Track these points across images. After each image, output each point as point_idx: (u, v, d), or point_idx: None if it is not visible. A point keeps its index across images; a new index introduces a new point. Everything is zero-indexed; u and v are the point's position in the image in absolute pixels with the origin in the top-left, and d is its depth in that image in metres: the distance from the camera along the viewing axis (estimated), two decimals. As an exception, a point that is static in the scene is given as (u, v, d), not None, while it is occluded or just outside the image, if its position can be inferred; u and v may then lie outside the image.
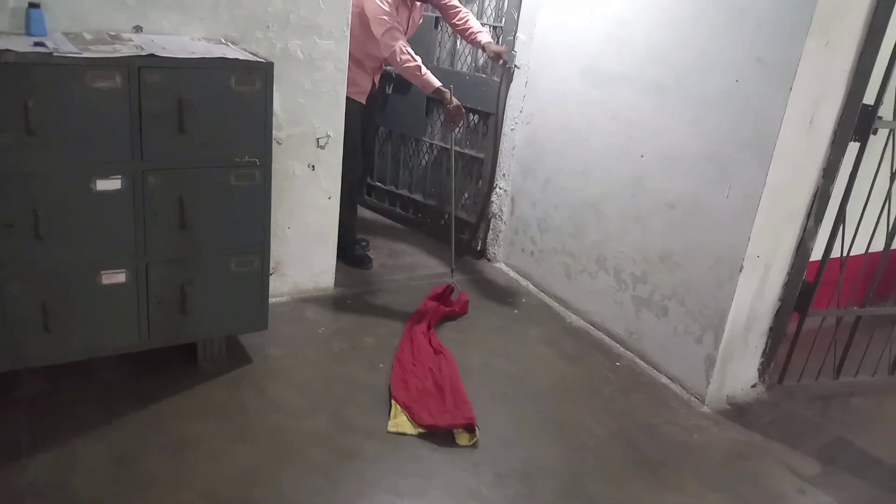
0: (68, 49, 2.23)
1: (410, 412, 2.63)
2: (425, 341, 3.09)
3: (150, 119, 2.32)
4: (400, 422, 2.60)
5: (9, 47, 2.13)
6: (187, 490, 2.18)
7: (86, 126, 2.25)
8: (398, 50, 3.36)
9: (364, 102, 3.64)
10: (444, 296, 3.54)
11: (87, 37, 2.50)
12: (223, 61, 2.41)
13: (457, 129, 3.71)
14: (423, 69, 3.43)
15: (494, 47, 3.65)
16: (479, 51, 3.89)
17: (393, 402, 2.70)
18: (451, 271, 3.73)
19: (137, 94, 2.28)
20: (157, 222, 2.45)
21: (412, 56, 3.39)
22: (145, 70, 2.26)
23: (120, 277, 2.46)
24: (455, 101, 3.52)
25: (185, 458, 2.31)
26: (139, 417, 2.47)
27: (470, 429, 2.57)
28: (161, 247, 2.49)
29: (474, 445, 2.54)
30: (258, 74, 2.45)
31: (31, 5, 2.40)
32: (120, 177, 2.34)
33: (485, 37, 3.68)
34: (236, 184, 2.54)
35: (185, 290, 2.58)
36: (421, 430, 2.57)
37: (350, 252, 3.85)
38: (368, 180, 4.67)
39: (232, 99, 2.43)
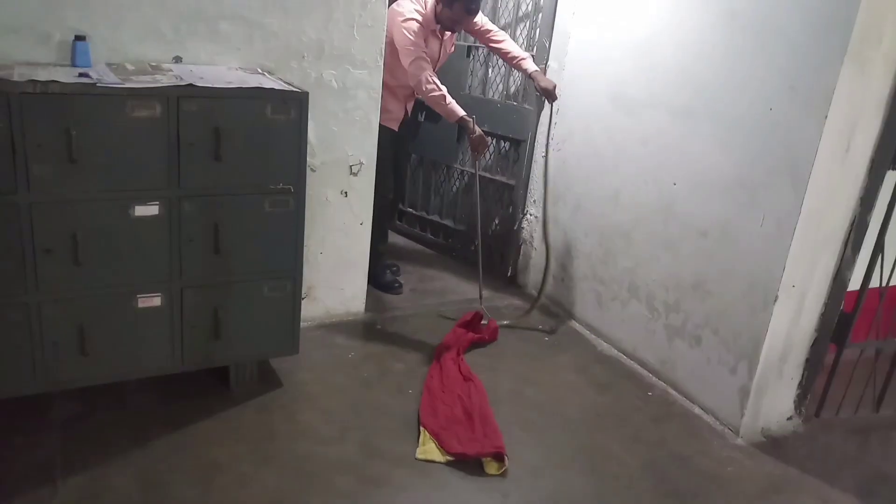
0: (111, 80, 2.30)
1: (439, 439, 2.62)
2: (455, 368, 3.09)
3: (188, 147, 2.38)
4: (428, 449, 2.59)
5: (55, 78, 2.20)
6: (216, 515, 2.20)
7: (125, 154, 2.31)
8: (424, 80, 3.39)
9: (396, 129, 3.67)
10: (473, 322, 3.53)
11: (129, 67, 2.57)
12: (259, 91, 2.46)
13: (480, 158, 3.71)
14: (448, 98, 3.46)
15: (543, 83, 3.64)
16: (511, 79, 3.92)
17: (422, 428, 2.69)
18: (480, 298, 3.73)
19: (176, 123, 2.33)
20: (192, 248, 2.50)
21: (438, 86, 3.43)
22: (184, 100, 2.32)
23: (155, 301, 2.50)
24: (478, 130, 3.54)
25: (213, 484, 2.33)
26: (170, 441, 2.50)
27: (499, 457, 2.55)
28: (196, 271, 2.54)
29: (503, 475, 2.52)
30: (293, 103, 2.50)
31: (77, 38, 2.49)
32: (157, 203, 2.39)
33: (530, 64, 3.67)
34: (270, 210, 2.58)
35: (219, 315, 2.62)
36: (449, 458, 2.56)
37: (381, 277, 3.87)
38: (400, 206, 4.70)
39: (267, 127, 2.48)
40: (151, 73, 2.51)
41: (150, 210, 2.39)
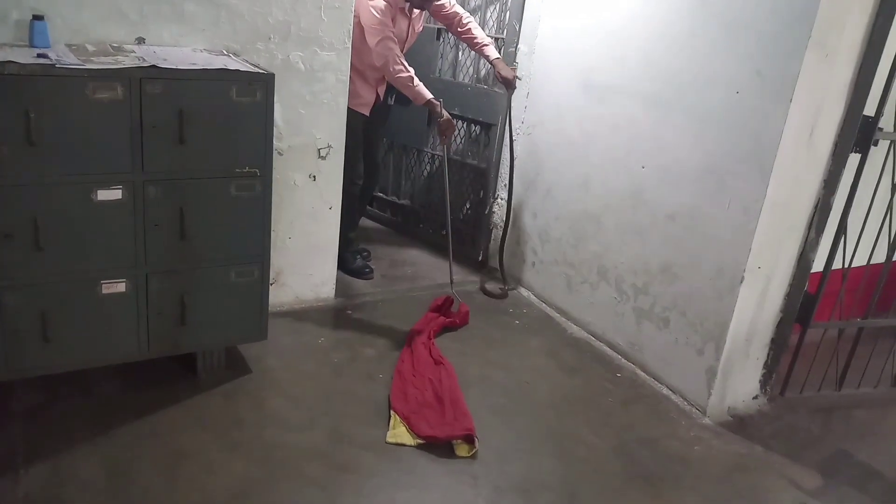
0: (70, 60, 2.24)
1: (409, 423, 2.62)
2: (426, 352, 3.09)
3: (151, 130, 2.33)
4: (399, 433, 2.59)
5: (11, 59, 2.14)
6: (181, 502, 2.17)
7: (86, 137, 2.26)
8: (391, 60, 3.36)
9: (367, 115, 3.63)
10: (444, 307, 3.53)
11: (90, 48, 2.51)
12: (224, 72, 2.42)
13: (448, 143, 3.69)
14: (416, 80, 3.42)
15: (504, 72, 3.63)
16: (482, 62, 3.90)
17: (392, 412, 2.69)
18: (451, 282, 3.73)
19: (139, 105, 2.29)
20: (157, 232, 2.46)
21: (405, 67, 3.39)
22: (146, 81, 2.27)
23: (120, 287, 2.46)
24: (446, 114, 3.51)
25: (180, 472, 2.30)
26: (135, 429, 2.47)
27: (469, 440, 2.56)
28: (161, 257, 2.50)
29: (473, 457, 2.53)
30: (259, 85, 2.46)
31: (35, 17, 2.42)
32: (120, 187, 2.35)
33: (492, 51, 3.66)
34: (236, 194, 2.55)
35: (185, 301, 2.58)
36: (420, 441, 2.56)
37: (351, 263, 3.85)
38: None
39: (232, 110, 2.44)
40: (113, 54, 2.45)
41: (113, 194, 2.35)
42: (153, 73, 2.28)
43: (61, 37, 2.53)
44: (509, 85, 3.66)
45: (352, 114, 3.49)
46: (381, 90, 3.69)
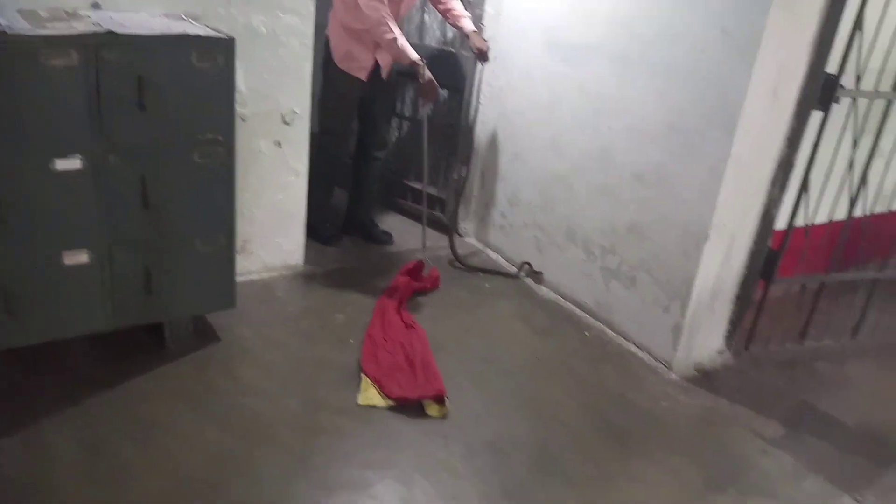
0: (22, 26, 2.18)
1: (380, 385, 2.65)
2: (396, 317, 3.10)
3: (110, 98, 2.28)
4: (370, 395, 2.62)
5: (-41, 25, 2.08)
6: (160, 474, 2.18)
7: (43, 105, 2.20)
8: (378, 20, 3.31)
9: (365, 78, 3.55)
10: (415, 271, 3.54)
11: (43, 14, 2.43)
12: (184, 38, 2.37)
13: (430, 105, 3.66)
14: (401, 41, 3.36)
15: (478, 43, 3.58)
16: (448, 25, 3.86)
17: (363, 375, 2.71)
18: (423, 246, 3.73)
19: (95, 73, 2.23)
20: (119, 202, 2.42)
21: (390, 27, 3.34)
22: (103, 48, 2.22)
23: (83, 258, 2.43)
24: (428, 75, 3.48)
25: (155, 442, 2.30)
26: (107, 401, 2.46)
27: (440, 400, 2.59)
28: (124, 227, 2.47)
29: (444, 417, 2.56)
30: (220, 51, 2.41)
31: (-17, -18, 2.34)
32: (80, 156, 2.30)
33: (468, 24, 3.60)
34: (200, 161, 2.51)
35: (151, 270, 2.56)
36: (391, 403, 2.59)
37: (321, 231, 3.82)
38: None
39: (193, 76, 2.39)
40: (67, 19, 2.38)
41: (72, 164, 2.30)
42: (110, 40, 2.23)
43: (11, 2, 2.45)
44: (482, 57, 3.62)
45: (345, 77, 3.44)
46: (382, 57, 3.57)
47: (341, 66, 3.50)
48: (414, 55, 3.41)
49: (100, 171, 2.35)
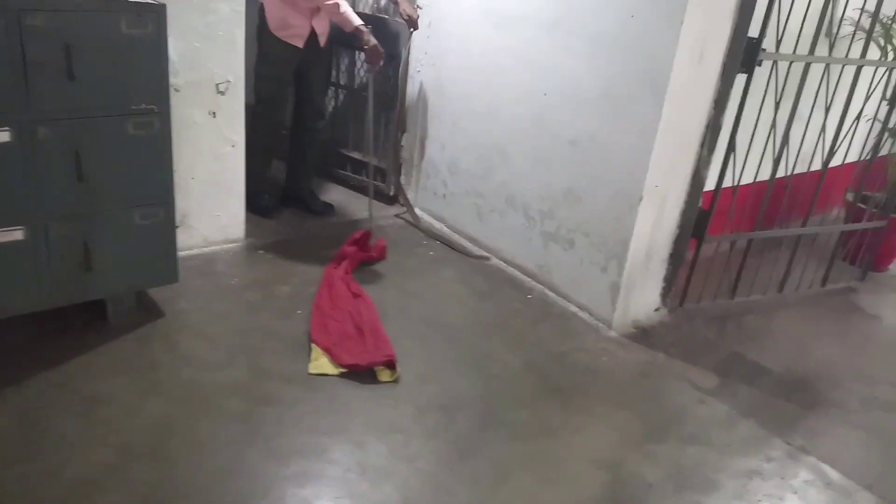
0: (-63, -9, 2.08)
1: (331, 354, 2.66)
2: (343, 286, 3.11)
3: (36, 66, 2.21)
4: (321, 363, 2.63)
5: None
6: (101, 446, 2.15)
7: (-37, 75, 2.12)
8: None
9: (301, 46, 3.49)
10: (361, 241, 3.54)
11: (-42, -21, 2.33)
12: (111, 3, 2.31)
13: (374, 70, 3.64)
14: (343, 6, 3.33)
15: (408, 9, 3.58)
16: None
17: (313, 345, 2.72)
18: (370, 216, 3.73)
19: (19, 39, 2.15)
20: (52, 176, 2.35)
21: None
22: (26, 13, 2.14)
23: (17, 235, 2.35)
24: (373, 40, 3.46)
25: (97, 416, 2.27)
26: (47, 378, 2.40)
27: (391, 365, 2.62)
28: (59, 201, 2.40)
29: (396, 381, 2.60)
30: (149, 17, 2.36)
31: None
32: (7, 129, 2.22)
33: None
34: (134, 133, 2.46)
35: (89, 246, 2.50)
36: (342, 370, 2.61)
37: (256, 201, 3.73)
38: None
39: (123, 43, 2.33)
40: (-15, -16, 2.28)
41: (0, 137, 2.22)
42: (33, 4, 2.14)
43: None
44: (412, 24, 3.62)
45: (281, 45, 3.38)
46: (319, 24, 3.53)
47: (277, 34, 3.44)
48: (358, 20, 3.38)
49: (30, 143, 2.27)
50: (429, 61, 3.83)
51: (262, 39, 3.52)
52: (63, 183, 2.38)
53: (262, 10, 3.47)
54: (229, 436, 2.26)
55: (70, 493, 1.97)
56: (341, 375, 2.60)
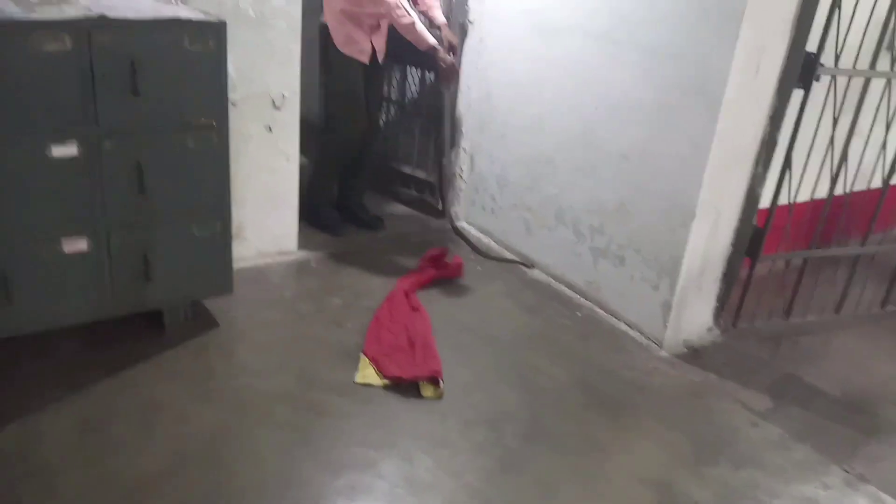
0: (13, 11, 2.18)
1: (378, 365, 2.68)
2: (403, 299, 3.14)
3: (103, 82, 2.30)
4: (367, 374, 2.66)
5: (-49, 11, 2.08)
6: (157, 452, 2.20)
7: (37, 91, 2.21)
8: (393, 3, 3.32)
9: (367, 62, 3.54)
10: (438, 258, 3.55)
11: None
12: (175, 22, 2.39)
13: (449, 87, 3.66)
14: (419, 24, 3.37)
15: (449, 36, 3.62)
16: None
17: (362, 355, 2.75)
18: (453, 227, 3.74)
19: (88, 57, 2.24)
20: (116, 188, 2.44)
21: (407, 11, 3.35)
22: (95, 32, 2.23)
23: (81, 245, 2.44)
24: (449, 59, 3.48)
25: (153, 422, 2.33)
26: (105, 385, 2.47)
27: (434, 381, 2.63)
28: (121, 212, 2.48)
29: (439, 398, 2.61)
30: (211, 34, 2.43)
31: (-29, -32, 2.33)
32: (75, 142, 2.31)
33: (440, 15, 3.64)
34: (193, 146, 2.53)
35: (148, 257, 2.58)
36: (386, 382, 2.63)
37: (324, 219, 3.80)
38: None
39: (185, 60, 2.41)
40: (57, 3, 2.38)
41: (68, 150, 2.31)
42: (102, 23, 2.24)
43: (1, -12, 2.44)
44: (453, 50, 3.65)
45: (348, 60, 3.44)
46: (378, 41, 3.57)
47: (343, 50, 3.47)
48: (432, 39, 3.42)
49: (95, 156, 2.36)
50: (478, 75, 3.85)
51: (329, 57, 3.54)
52: (125, 195, 2.46)
53: (325, 29, 3.51)
54: (282, 445, 2.30)
55: (129, 497, 2.03)
56: (387, 388, 2.62)
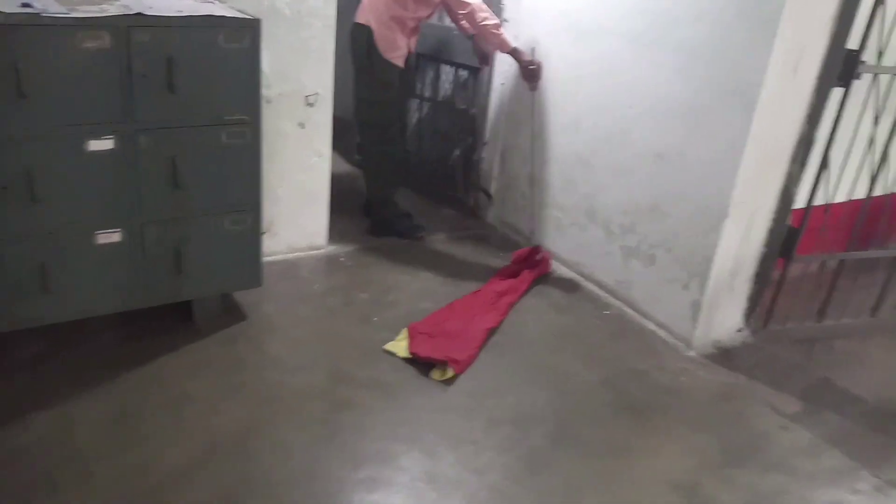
0: (56, 9, 2.23)
1: (412, 340, 2.78)
2: (490, 296, 3.21)
3: (140, 78, 2.34)
4: (399, 345, 2.80)
5: (-5, 9, 2.13)
6: (188, 442, 2.25)
7: (76, 87, 2.26)
8: (476, 7, 3.27)
9: (403, 66, 3.53)
10: (529, 258, 3.56)
11: (73, -3, 2.49)
12: (211, 19, 2.42)
13: (535, 88, 3.64)
14: (502, 28, 3.33)
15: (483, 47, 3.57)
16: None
17: (406, 329, 2.87)
18: (533, 233, 3.75)
19: (126, 54, 2.29)
20: (150, 182, 2.48)
21: (491, 13, 3.32)
22: (134, 29, 2.27)
23: (115, 237, 2.50)
24: (536, 60, 3.47)
25: (184, 413, 2.38)
26: (138, 375, 2.53)
27: (445, 366, 2.67)
28: (155, 206, 2.53)
29: (445, 381, 2.64)
30: (246, 31, 2.46)
31: (15, -34, 2.39)
32: (112, 137, 2.36)
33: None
34: (227, 142, 2.57)
35: (180, 249, 2.62)
36: (408, 357, 2.73)
37: (398, 224, 3.82)
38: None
39: (220, 57, 2.44)
40: (98, 2, 2.43)
41: (105, 144, 2.36)
42: (140, 21, 2.28)
43: (43, -14, 2.50)
44: (485, 61, 3.62)
45: (389, 66, 3.41)
46: (414, 42, 3.56)
47: (386, 55, 3.41)
48: (512, 42, 3.39)
49: (130, 151, 2.41)
50: (512, 73, 3.83)
51: (373, 65, 3.44)
52: (159, 189, 2.51)
53: (363, 32, 3.42)
54: (308, 438, 2.33)
55: (160, 486, 2.08)
56: (415, 383, 2.65)
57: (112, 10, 2.31)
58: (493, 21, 3.33)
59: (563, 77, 3.52)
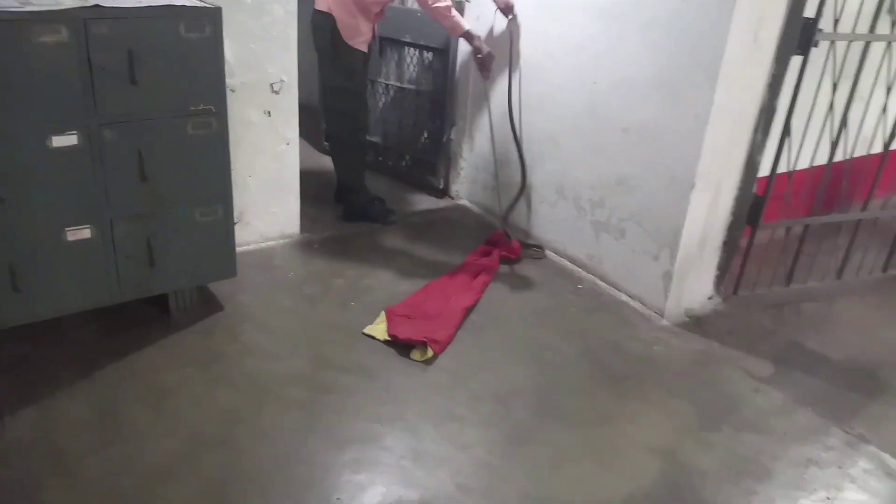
0: (8, 3, 2.19)
1: (390, 323, 2.80)
2: (465, 277, 3.24)
3: (101, 72, 2.31)
4: (377, 329, 2.82)
5: (-53, 5, 2.09)
6: (171, 435, 2.25)
7: (35, 82, 2.23)
8: None
9: (366, 50, 3.52)
10: (500, 242, 3.58)
11: (27, -9, 2.44)
12: (170, 9, 2.39)
13: (488, 76, 3.62)
14: (453, 10, 3.31)
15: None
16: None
17: (384, 312, 2.89)
18: (506, 217, 3.75)
19: (86, 48, 2.25)
20: (117, 176, 2.46)
21: None
22: (91, 22, 2.24)
23: (85, 233, 2.47)
24: (486, 48, 3.44)
25: (165, 406, 2.37)
26: (117, 371, 2.52)
27: (424, 345, 2.69)
28: (123, 200, 2.50)
29: (425, 361, 2.67)
30: (207, 20, 2.44)
31: (-35, -39, 2.34)
32: (76, 132, 2.33)
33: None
34: (193, 133, 2.54)
35: (152, 243, 2.60)
36: (387, 339, 2.76)
37: (371, 210, 3.82)
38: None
39: (182, 47, 2.42)
40: (53, -5, 2.39)
41: (68, 140, 2.33)
42: (98, 13, 2.24)
43: (-4, -19, 2.45)
44: (508, 10, 3.53)
45: (353, 53, 3.39)
46: (377, 27, 3.55)
47: (350, 42, 3.40)
48: (467, 25, 3.35)
49: (96, 146, 2.38)
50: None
51: (337, 52, 3.43)
52: (127, 183, 2.48)
53: (325, 19, 3.39)
54: (291, 424, 2.34)
55: (145, 480, 2.08)
56: (396, 364, 2.67)
57: (68, 2, 2.27)
58: (444, 3, 3.29)
59: (531, 54, 3.53)
